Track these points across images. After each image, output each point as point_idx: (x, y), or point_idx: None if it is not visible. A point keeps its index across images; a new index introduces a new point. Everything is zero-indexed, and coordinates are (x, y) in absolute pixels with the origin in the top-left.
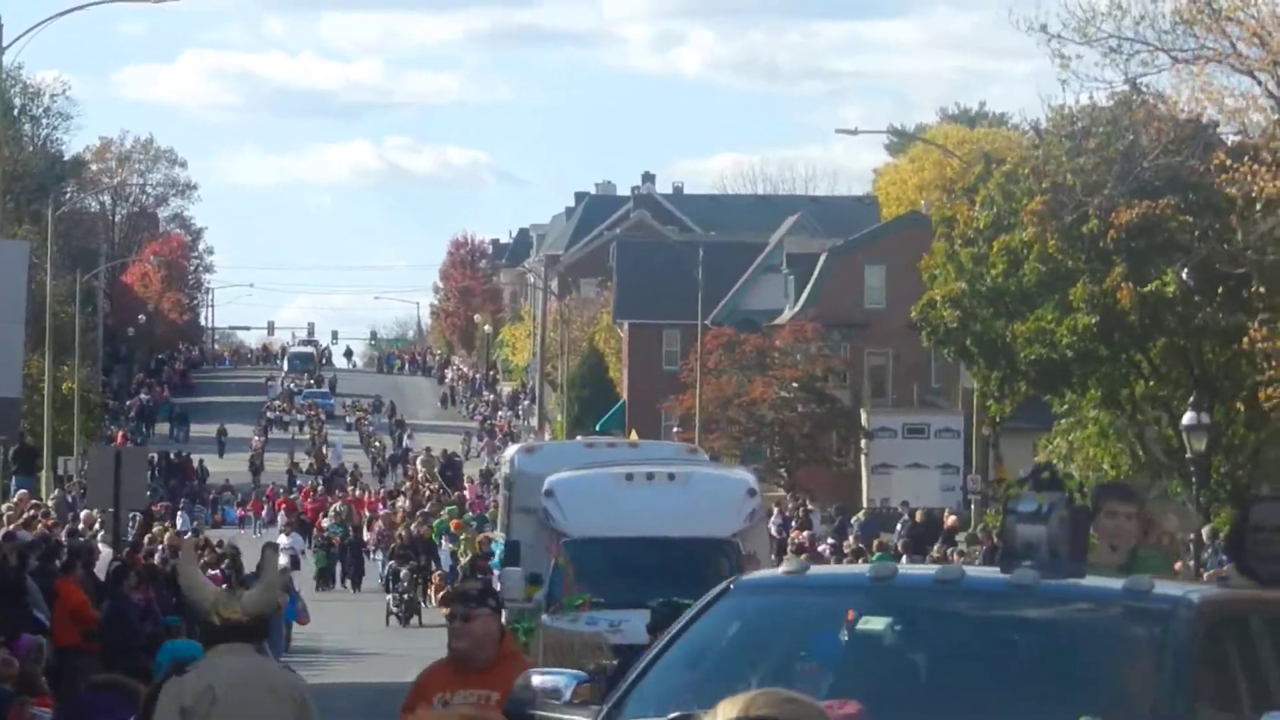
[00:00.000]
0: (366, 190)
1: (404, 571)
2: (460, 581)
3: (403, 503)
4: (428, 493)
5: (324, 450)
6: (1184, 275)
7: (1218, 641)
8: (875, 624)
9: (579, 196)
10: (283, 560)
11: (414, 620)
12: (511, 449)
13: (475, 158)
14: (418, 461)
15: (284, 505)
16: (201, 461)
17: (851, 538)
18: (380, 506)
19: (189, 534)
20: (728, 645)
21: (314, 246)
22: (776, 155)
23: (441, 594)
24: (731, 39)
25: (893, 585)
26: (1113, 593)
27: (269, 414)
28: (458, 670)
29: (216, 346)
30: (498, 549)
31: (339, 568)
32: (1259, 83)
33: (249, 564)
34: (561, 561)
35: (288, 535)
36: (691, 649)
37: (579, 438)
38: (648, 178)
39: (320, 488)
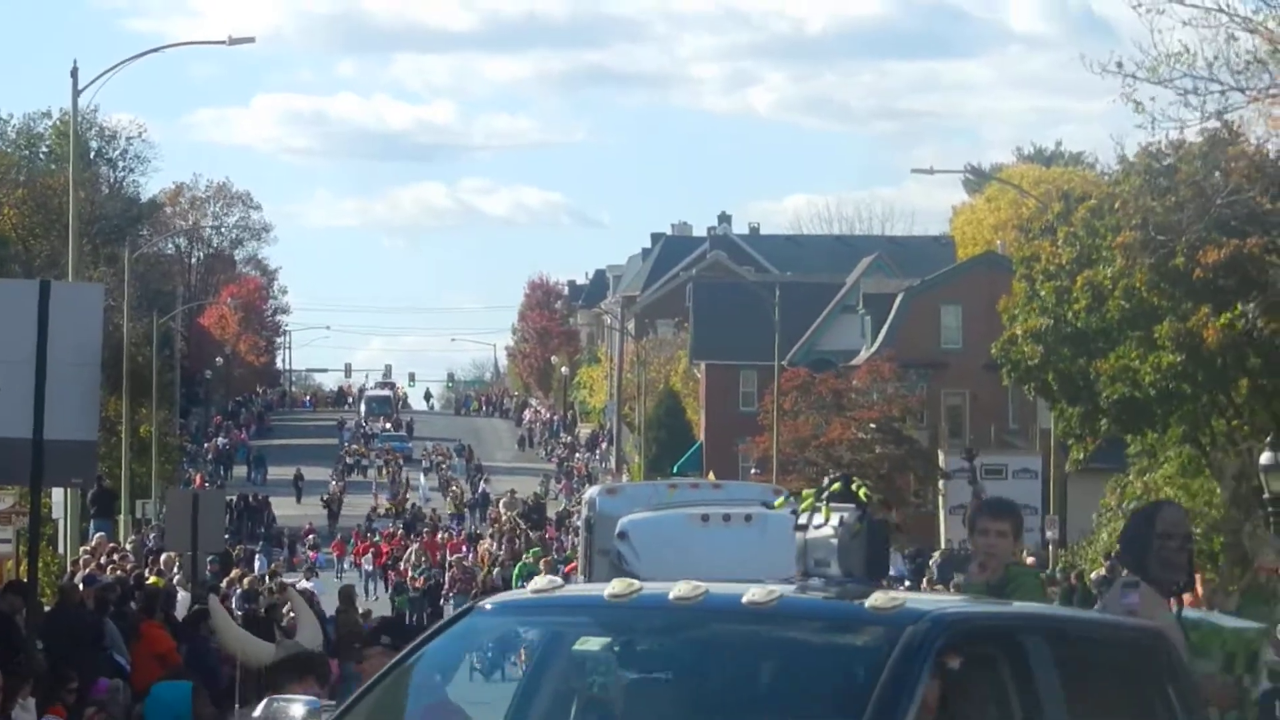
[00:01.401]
0: (441, 232)
1: None
2: None
3: (488, 545)
4: (517, 537)
5: (405, 494)
6: (1251, 313)
7: (961, 661)
8: (593, 644)
9: (655, 237)
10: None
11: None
12: (592, 490)
13: (550, 199)
14: (500, 504)
15: (368, 549)
16: (269, 503)
17: (925, 580)
18: (464, 549)
19: (265, 576)
20: (455, 667)
21: (389, 288)
22: (849, 196)
23: None
24: (803, 79)
25: (627, 605)
26: (849, 611)
27: (347, 458)
28: None
29: (294, 389)
30: None
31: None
32: None
33: (328, 606)
34: None
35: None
36: (422, 670)
37: (660, 479)
38: (724, 218)
39: (400, 531)
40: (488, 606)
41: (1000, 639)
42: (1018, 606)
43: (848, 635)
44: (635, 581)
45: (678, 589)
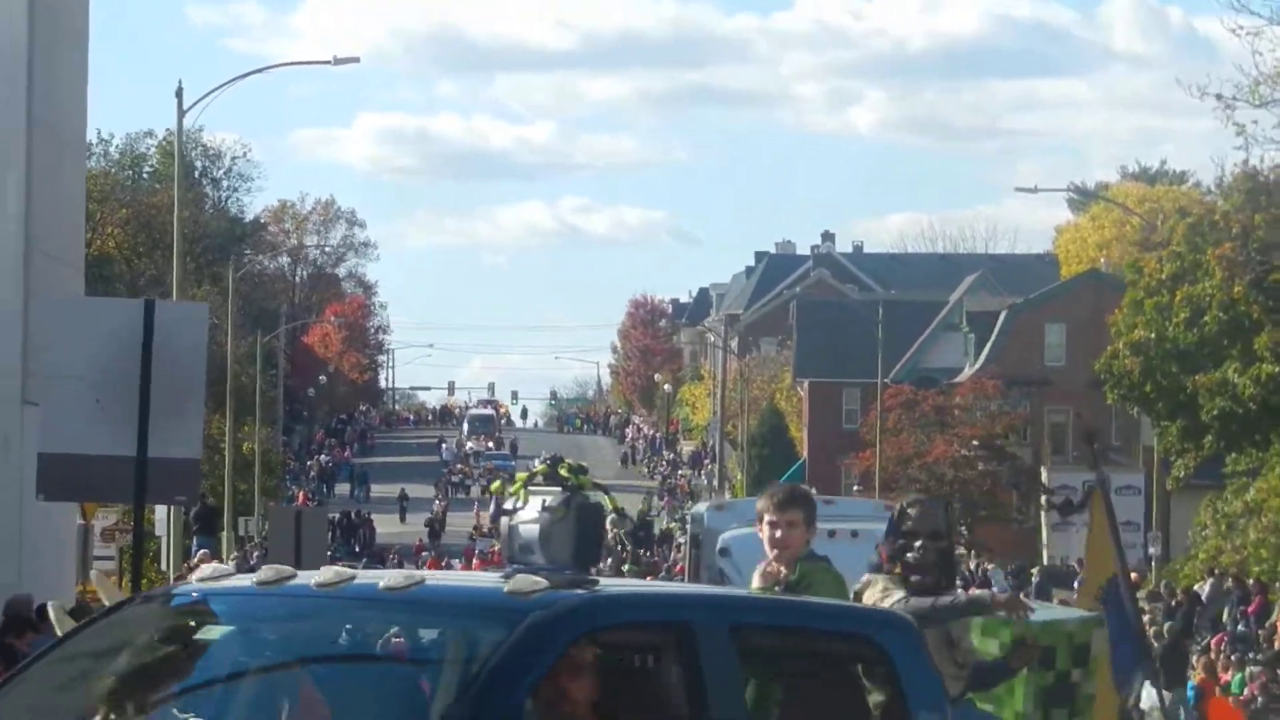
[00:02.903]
0: (542, 251)
1: None
2: None
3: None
4: (624, 555)
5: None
6: None
7: (591, 650)
8: (213, 633)
9: (759, 256)
10: None
11: None
12: (700, 506)
13: (651, 218)
14: (607, 522)
15: (480, 566)
16: (371, 521)
17: (1023, 594)
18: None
19: None
20: (81, 657)
21: (491, 307)
22: (951, 214)
23: None
24: (905, 98)
25: (272, 593)
26: (482, 596)
27: (452, 477)
28: None
29: (397, 407)
30: None
31: None
32: None
33: None
34: None
35: None
36: (56, 660)
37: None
38: (827, 236)
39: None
40: (142, 598)
41: (666, 628)
42: (693, 592)
43: (475, 622)
44: (288, 569)
45: (321, 575)
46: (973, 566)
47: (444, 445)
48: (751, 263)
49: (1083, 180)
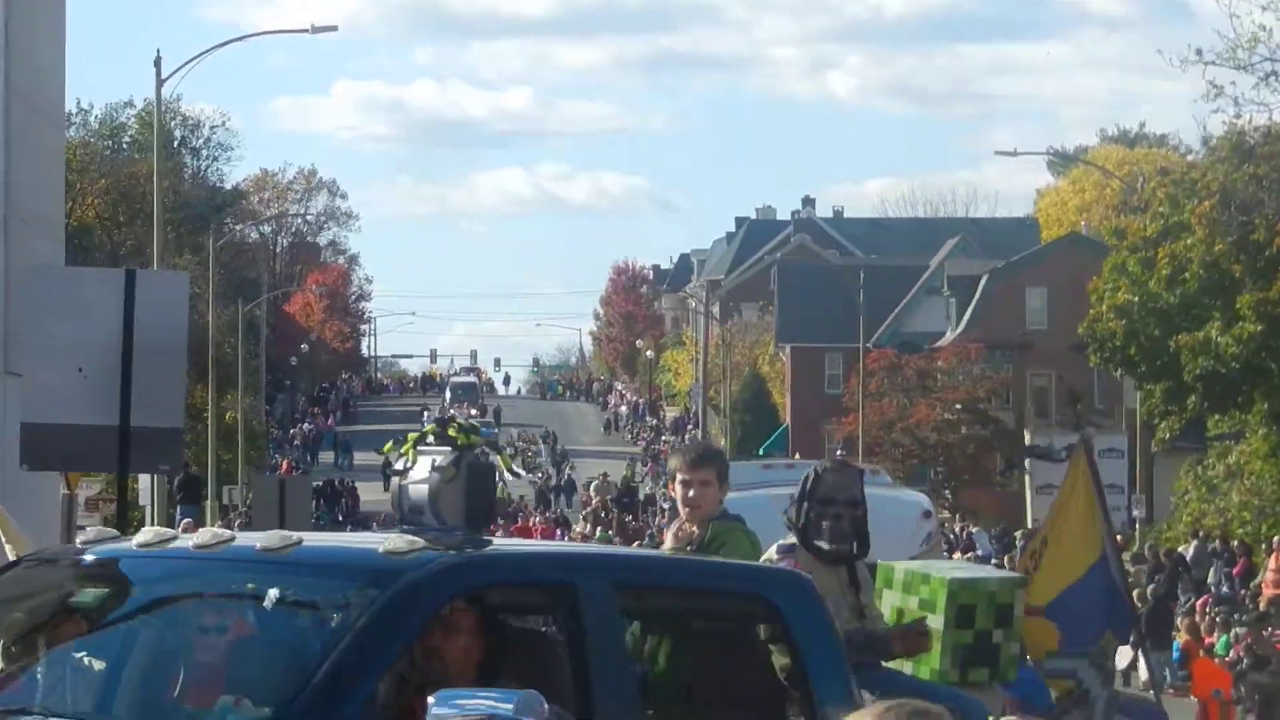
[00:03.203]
0: (522, 218)
1: None
2: None
3: (582, 528)
4: (608, 520)
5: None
6: None
7: (468, 610)
8: (87, 597)
9: (739, 221)
10: None
11: None
12: None
13: (630, 184)
14: (591, 488)
15: None
16: (355, 489)
17: (1007, 559)
18: (557, 534)
19: None
20: None
21: (471, 275)
22: (930, 179)
23: None
24: (881, 63)
25: (152, 555)
26: (360, 557)
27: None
28: None
29: (380, 375)
30: None
31: None
32: None
33: None
34: None
35: None
36: None
37: (753, 459)
38: (807, 202)
39: None
40: (28, 558)
41: (547, 588)
42: (576, 551)
43: (351, 583)
44: (169, 531)
45: (200, 536)
46: (958, 530)
47: (426, 413)
48: (732, 228)
49: (1061, 144)
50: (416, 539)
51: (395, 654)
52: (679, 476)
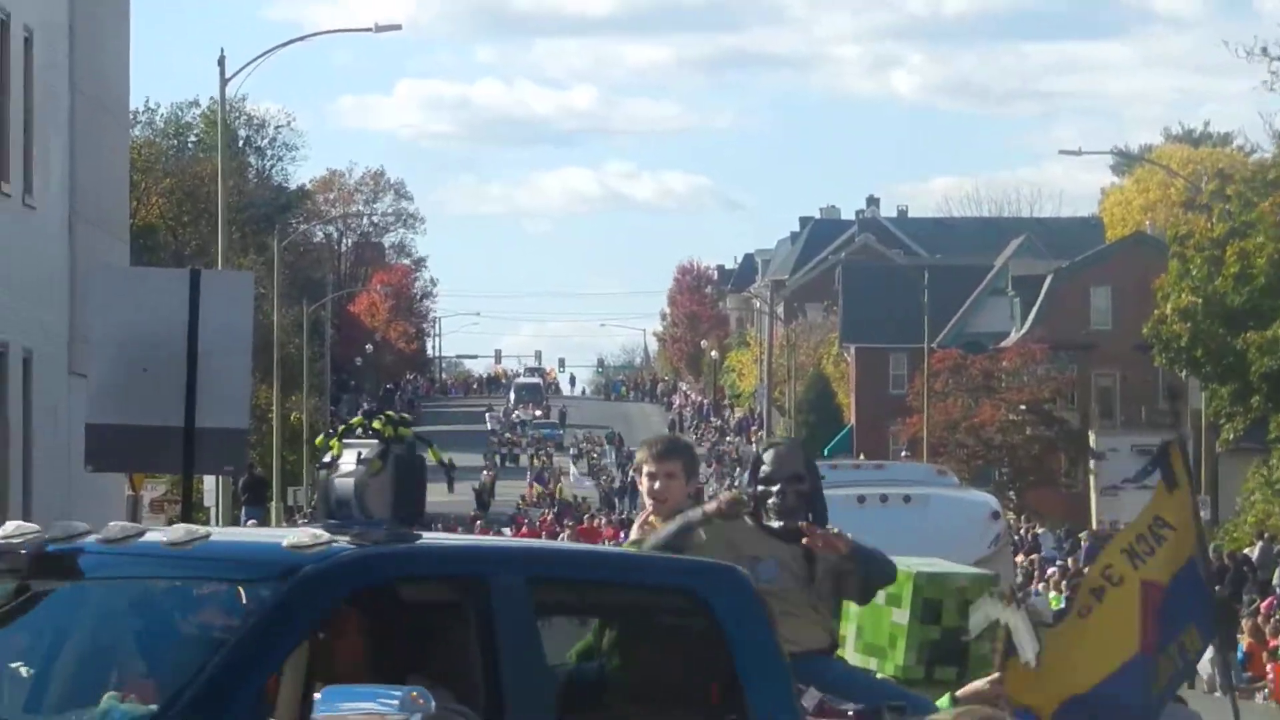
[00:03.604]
0: (587, 217)
1: None
2: None
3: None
4: None
5: (557, 482)
6: None
7: (371, 605)
8: None
9: (804, 221)
10: None
11: None
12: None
13: (696, 183)
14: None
15: (529, 536)
16: None
17: (1069, 560)
18: (620, 535)
19: None
20: None
21: (536, 274)
22: (994, 178)
23: None
24: (943, 61)
25: (62, 551)
26: (261, 552)
27: (501, 447)
28: None
29: (444, 376)
30: None
31: None
32: None
33: None
34: None
35: None
36: None
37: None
38: (872, 201)
39: (550, 518)
40: None
41: (457, 582)
42: (489, 545)
43: (252, 577)
44: (80, 525)
45: (108, 531)
46: (1023, 531)
47: (490, 414)
48: (796, 228)
49: (1125, 143)
50: (322, 533)
51: (289, 649)
52: (645, 469)
